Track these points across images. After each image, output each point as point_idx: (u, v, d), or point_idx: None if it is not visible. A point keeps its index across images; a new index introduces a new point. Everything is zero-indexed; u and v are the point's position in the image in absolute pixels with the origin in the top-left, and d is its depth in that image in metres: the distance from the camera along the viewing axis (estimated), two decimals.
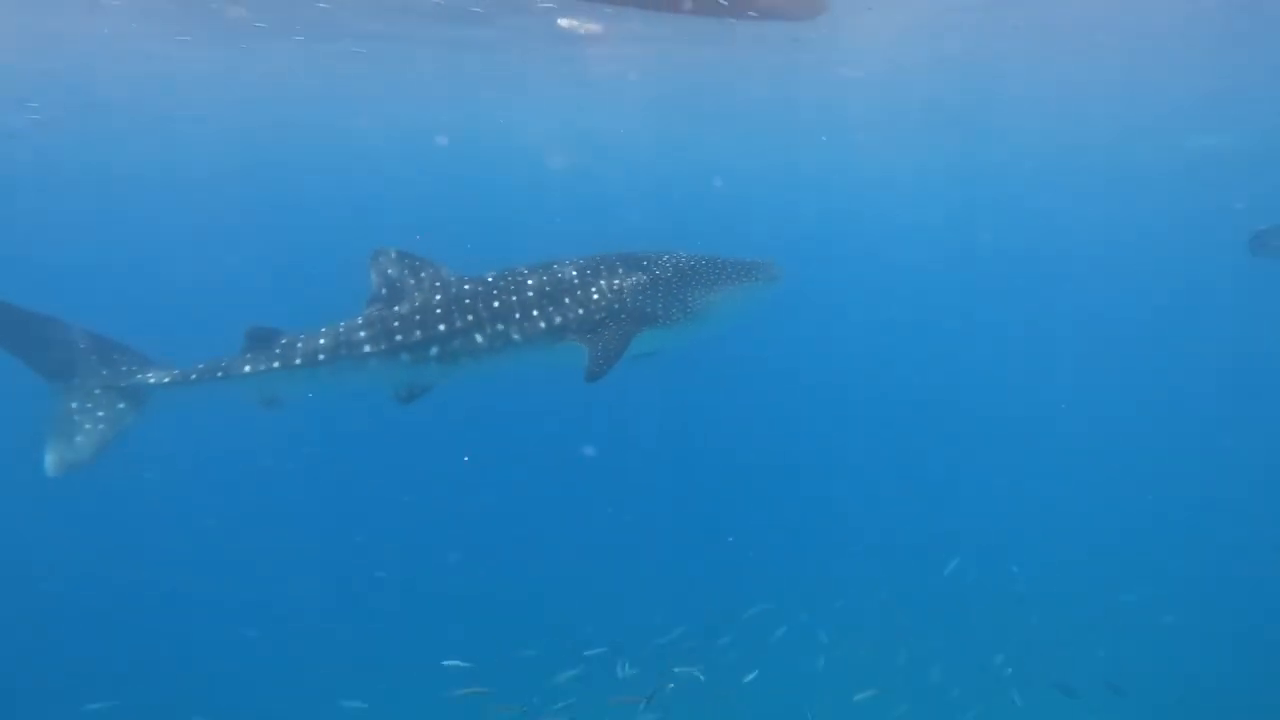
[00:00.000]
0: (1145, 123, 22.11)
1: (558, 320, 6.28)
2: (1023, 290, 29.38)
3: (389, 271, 6.69)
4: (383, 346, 6.37)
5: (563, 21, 14.26)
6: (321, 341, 6.47)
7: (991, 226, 34.59)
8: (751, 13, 12.31)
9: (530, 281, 6.44)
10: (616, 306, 6.33)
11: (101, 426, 6.25)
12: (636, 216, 31.17)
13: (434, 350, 6.34)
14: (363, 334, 6.44)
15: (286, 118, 25.77)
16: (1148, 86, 18.88)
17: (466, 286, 6.53)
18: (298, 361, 6.41)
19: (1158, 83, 18.36)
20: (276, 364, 6.45)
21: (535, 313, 6.31)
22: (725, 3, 11.43)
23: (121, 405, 6.40)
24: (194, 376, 6.55)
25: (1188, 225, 30.42)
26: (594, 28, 14.60)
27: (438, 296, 6.50)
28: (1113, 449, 16.43)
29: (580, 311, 6.30)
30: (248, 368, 6.47)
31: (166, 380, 6.54)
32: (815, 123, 23.62)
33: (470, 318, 6.32)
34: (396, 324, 6.42)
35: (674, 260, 6.64)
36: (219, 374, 6.52)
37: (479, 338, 6.30)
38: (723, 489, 14.49)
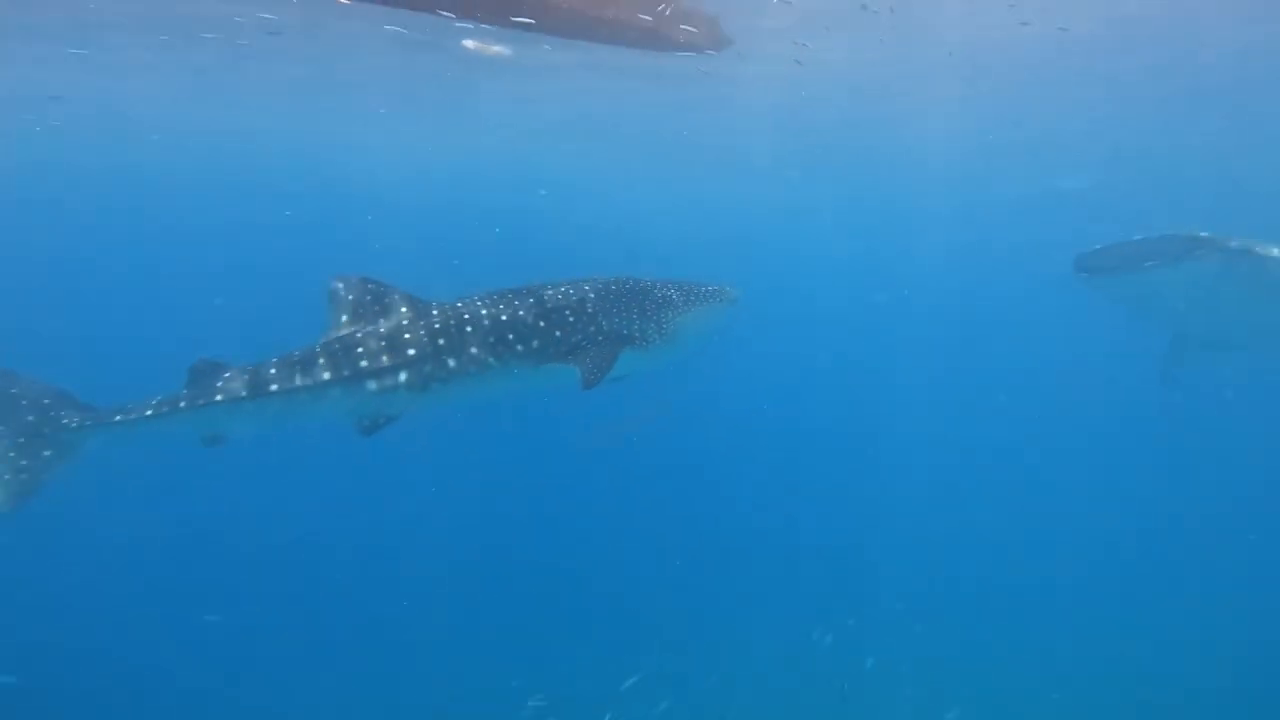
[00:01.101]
0: (1018, 159, 23.45)
1: (534, 344, 6.23)
2: (922, 325, 30.52)
3: (349, 298, 6.44)
4: (346, 374, 6.05)
5: (469, 43, 13.77)
6: (272, 371, 6.05)
7: (896, 259, 35.96)
8: (656, 45, 12.24)
9: (502, 306, 6.37)
10: (592, 329, 6.35)
11: (24, 476, 5.96)
12: (550, 246, 30.80)
13: (403, 377, 6.10)
14: (322, 361, 6.09)
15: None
16: (1021, 122, 20.00)
17: (435, 312, 6.36)
18: (243, 394, 5.97)
19: (1029, 119, 19.49)
20: (219, 397, 5.96)
21: (510, 336, 6.22)
22: (646, 18, 11.13)
23: (47, 453, 6.06)
24: (118, 417, 6.04)
25: (1055, 256, 32.47)
26: (500, 51, 14.11)
27: (405, 321, 6.28)
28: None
29: (557, 334, 6.28)
30: (183, 403, 6.00)
31: (89, 423, 6.07)
32: (721, 153, 23.84)
33: (442, 342, 6.16)
34: (361, 350, 6.13)
35: (645, 283, 6.76)
36: (148, 412, 6.00)
37: (452, 363, 6.13)
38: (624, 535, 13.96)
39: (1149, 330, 9.74)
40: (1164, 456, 17.20)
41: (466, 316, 6.26)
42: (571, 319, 6.33)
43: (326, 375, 5.99)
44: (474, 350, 6.12)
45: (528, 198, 34.33)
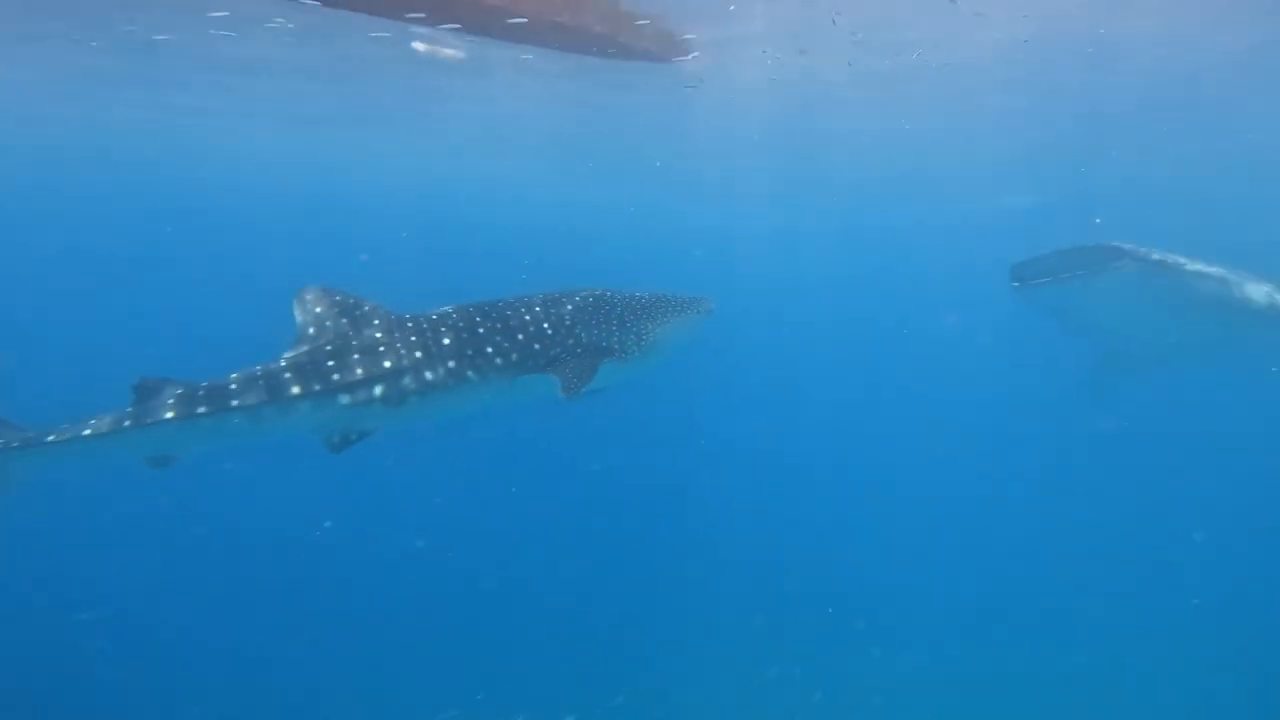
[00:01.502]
0: (965, 180, 24.02)
1: (514, 356, 6.15)
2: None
3: (317, 310, 6.23)
4: (317, 388, 5.81)
5: (418, 46, 13.56)
6: (233, 386, 5.73)
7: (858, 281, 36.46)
8: (611, 50, 12.26)
9: (480, 317, 6.28)
10: (571, 341, 6.31)
11: None
12: (503, 259, 30.67)
13: (379, 390, 5.90)
14: (289, 375, 5.83)
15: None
16: (968, 144, 20.51)
17: (410, 324, 6.21)
18: (200, 410, 5.62)
19: (976, 142, 20.02)
20: (170, 414, 5.58)
21: (489, 349, 6.13)
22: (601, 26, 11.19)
23: None
24: (52, 438, 5.58)
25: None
26: (453, 54, 14.00)
27: (379, 334, 6.11)
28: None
29: (537, 346, 6.22)
30: (128, 422, 5.58)
31: (16, 445, 5.59)
32: (678, 166, 24.01)
33: (419, 355, 6.00)
34: (332, 363, 5.92)
35: (623, 295, 6.75)
36: (85, 432, 5.55)
37: (430, 375, 5.97)
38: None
39: (1080, 342, 9.73)
40: (1109, 471, 17.63)
41: (444, 329, 6.14)
42: (550, 331, 6.29)
43: (295, 389, 5.74)
44: (452, 363, 6.01)
45: (483, 209, 34.26)
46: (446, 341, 6.08)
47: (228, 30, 12.72)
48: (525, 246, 31.39)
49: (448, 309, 6.40)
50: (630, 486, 16.34)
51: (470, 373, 6.03)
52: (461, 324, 6.20)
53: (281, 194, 31.83)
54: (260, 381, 5.76)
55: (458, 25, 11.30)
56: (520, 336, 6.20)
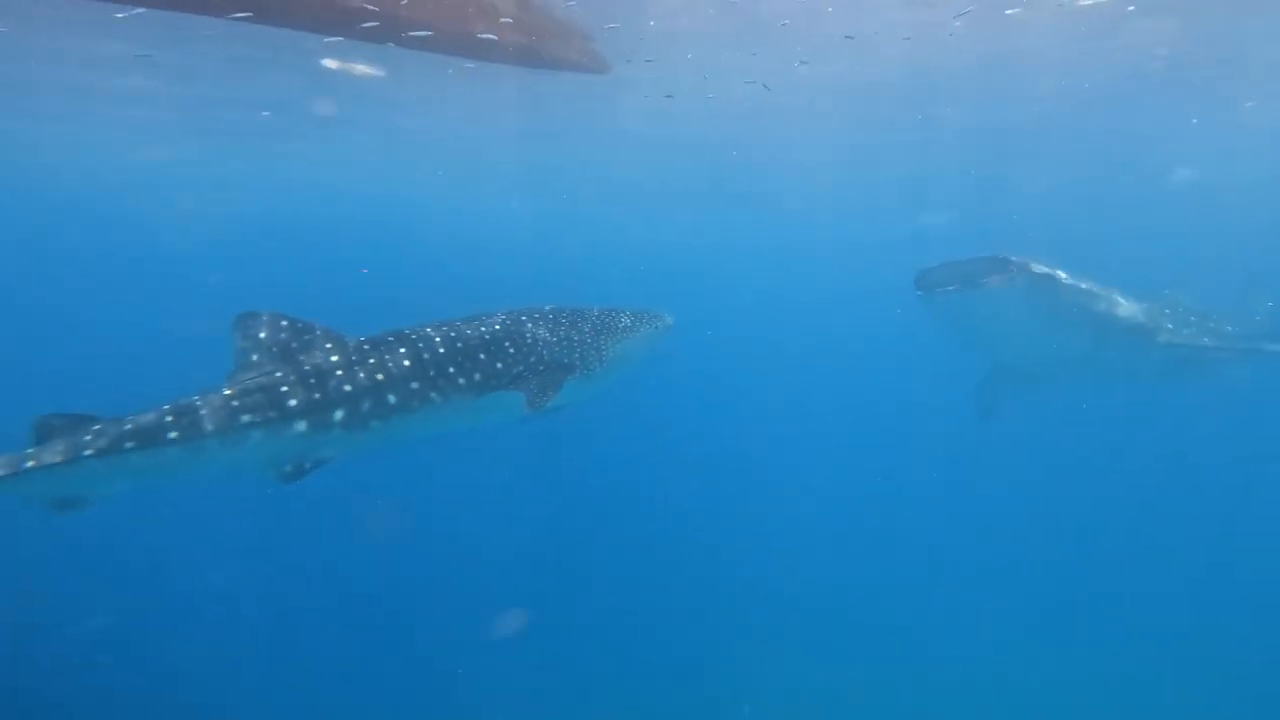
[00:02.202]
0: (880, 200, 24.75)
1: (476, 376, 6.04)
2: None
3: (261, 335, 5.88)
4: (271, 415, 5.49)
5: (329, 63, 13.16)
6: (169, 419, 5.30)
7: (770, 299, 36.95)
8: (535, 63, 12.26)
9: (439, 338, 6.13)
10: (533, 359, 6.26)
11: None
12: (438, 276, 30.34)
13: (339, 415, 5.64)
14: (237, 404, 5.47)
15: None
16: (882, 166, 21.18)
17: (367, 346, 6.01)
18: (129, 445, 5.16)
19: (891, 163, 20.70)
20: (89, 451, 5.11)
21: (452, 369, 5.99)
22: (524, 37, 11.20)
23: None
24: None
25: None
26: (368, 71, 13.65)
27: (334, 357, 5.87)
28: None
29: (499, 365, 6.14)
30: (31, 463, 5.07)
31: None
32: (600, 178, 24.11)
33: (380, 377, 5.79)
34: (286, 390, 5.60)
35: (582, 311, 6.73)
36: None
37: (392, 398, 5.79)
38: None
39: (971, 357, 9.56)
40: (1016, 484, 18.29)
41: (403, 350, 5.97)
42: (512, 350, 6.23)
43: (247, 418, 5.41)
44: (415, 385, 5.85)
45: (415, 222, 33.83)
46: (407, 363, 5.90)
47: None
48: (443, 262, 31.22)
49: (405, 330, 6.22)
50: (544, 503, 16.28)
51: (433, 394, 5.88)
52: (421, 344, 6.04)
53: (200, 213, 30.90)
54: (203, 411, 5.37)
55: (379, 38, 11.18)
56: (482, 355, 6.11)
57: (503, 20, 9.91)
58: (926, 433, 19.78)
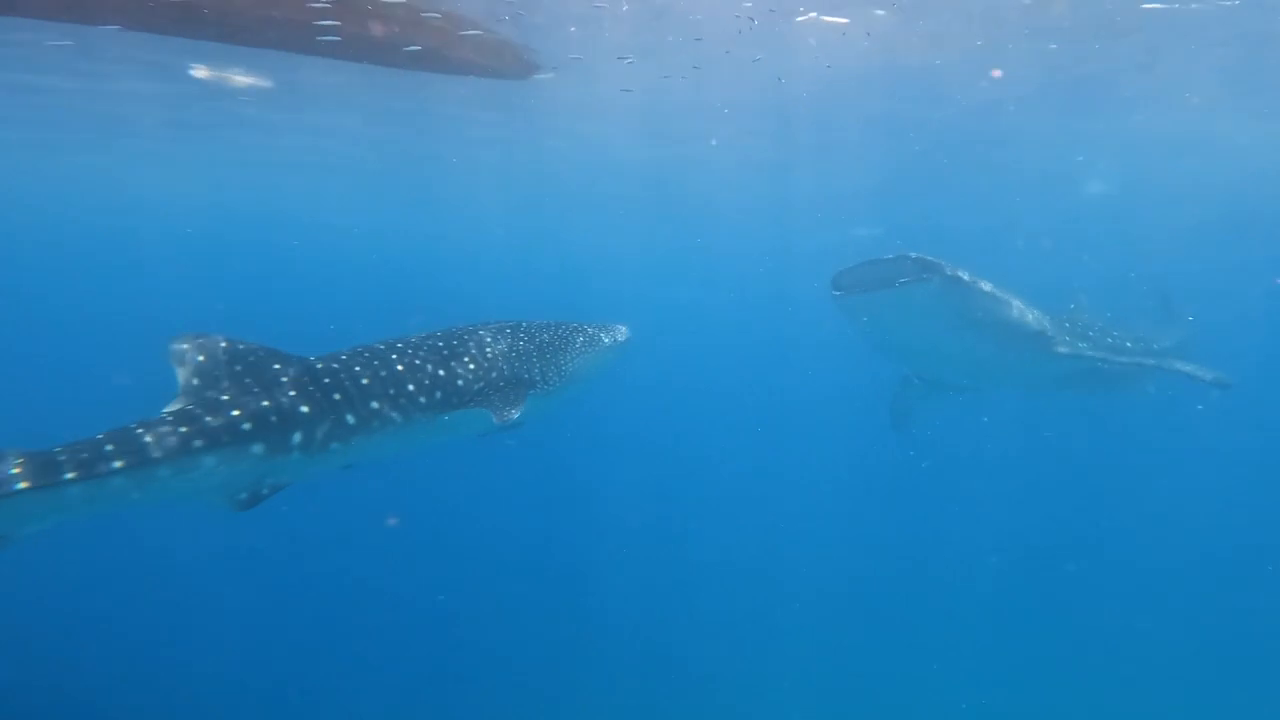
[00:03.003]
0: (820, 208, 25.03)
1: (437, 394, 5.94)
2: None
3: (199, 359, 5.55)
4: (225, 440, 5.21)
5: (198, 72, 12.56)
6: (109, 448, 4.89)
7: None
8: (456, 70, 12.07)
9: (395, 355, 5.99)
10: (494, 375, 6.21)
11: None
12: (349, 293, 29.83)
13: (297, 437, 5.44)
14: (185, 429, 5.13)
15: None
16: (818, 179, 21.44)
17: (320, 365, 5.81)
18: (69, 475, 4.74)
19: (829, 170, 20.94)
20: (22, 485, 4.70)
21: (411, 387, 5.87)
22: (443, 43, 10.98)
23: None
24: None
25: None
26: (248, 80, 13.09)
27: (285, 378, 5.62)
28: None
29: (460, 382, 6.05)
30: None
31: None
32: (525, 188, 23.94)
33: (338, 397, 5.61)
34: (238, 413, 5.31)
35: (540, 326, 6.70)
36: None
37: (351, 418, 5.62)
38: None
39: (885, 364, 9.39)
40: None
41: (358, 369, 5.80)
42: (472, 366, 6.15)
43: (199, 443, 5.12)
44: (375, 404, 5.69)
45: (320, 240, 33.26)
46: (365, 381, 5.74)
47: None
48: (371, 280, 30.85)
49: (359, 348, 6.06)
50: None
51: (394, 413, 5.76)
52: (378, 363, 5.89)
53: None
54: (148, 439, 5.03)
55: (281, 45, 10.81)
56: (442, 373, 6.01)
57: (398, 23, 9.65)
58: (849, 436, 20.08)
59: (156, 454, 5.01)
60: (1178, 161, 18.69)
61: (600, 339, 6.88)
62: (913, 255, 7.23)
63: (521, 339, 6.53)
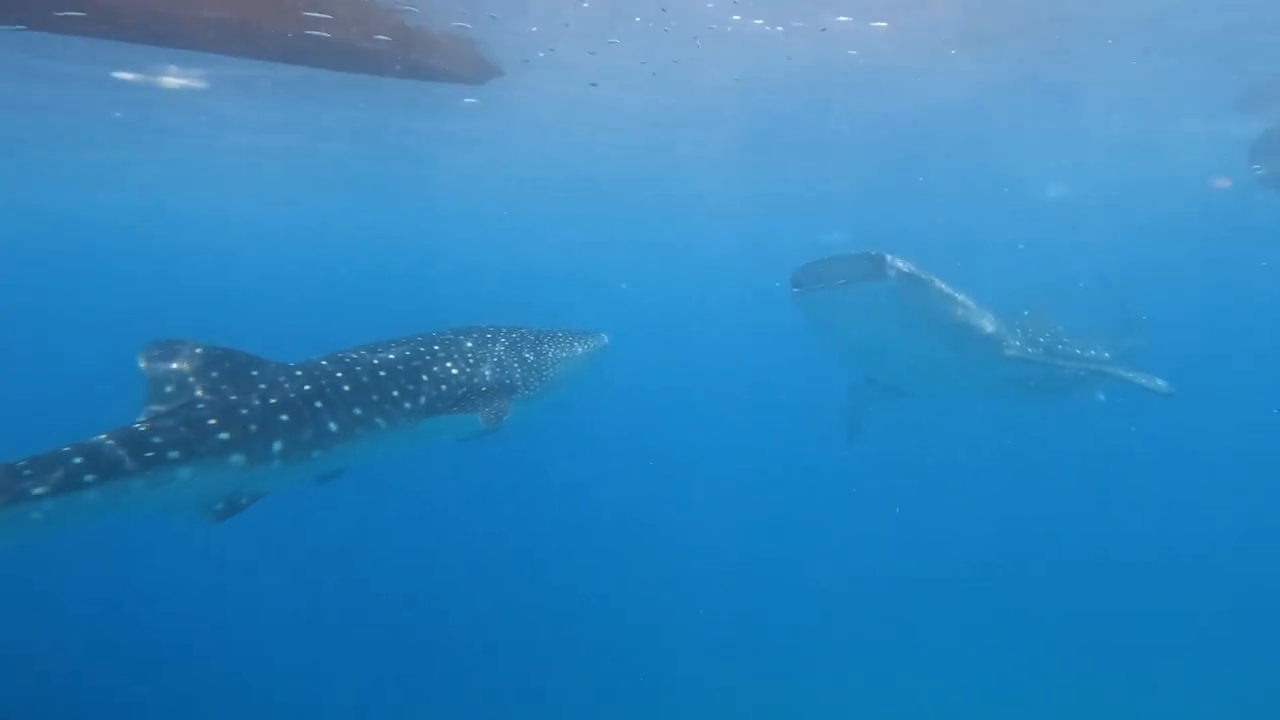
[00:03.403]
0: (787, 212, 25.22)
1: (421, 400, 5.86)
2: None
3: (173, 366, 5.37)
4: (201, 450, 5.05)
5: (123, 73, 12.42)
6: (77, 461, 4.68)
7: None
8: (412, 75, 11.92)
9: (377, 361, 5.91)
10: (476, 380, 6.17)
11: None
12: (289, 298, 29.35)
13: (278, 446, 5.31)
14: (159, 440, 4.95)
15: None
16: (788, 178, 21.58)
17: (300, 372, 5.66)
18: (37, 491, 4.52)
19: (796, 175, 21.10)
20: None
21: (396, 393, 5.79)
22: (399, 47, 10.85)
23: None
24: None
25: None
26: (176, 81, 12.91)
27: (263, 385, 5.48)
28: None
29: (444, 387, 6.00)
30: None
31: None
32: (485, 188, 23.79)
33: (319, 404, 5.49)
34: (214, 422, 5.15)
35: (521, 331, 6.68)
36: None
37: (333, 426, 5.50)
38: None
39: (842, 367, 9.30)
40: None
41: (339, 375, 5.68)
42: (455, 371, 6.09)
43: (174, 454, 4.94)
44: (358, 411, 5.59)
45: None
46: (347, 388, 5.63)
47: None
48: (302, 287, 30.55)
49: (338, 354, 5.97)
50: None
51: (378, 419, 5.66)
52: (359, 368, 5.79)
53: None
54: (119, 451, 4.82)
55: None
56: (425, 378, 5.93)
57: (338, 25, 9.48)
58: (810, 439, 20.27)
59: (129, 466, 4.82)
60: (1129, 164, 19.07)
61: (581, 345, 6.89)
62: (871, 252, 7.13)
63: (502, 344, 6.50)
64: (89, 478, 4.67)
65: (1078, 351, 9.23)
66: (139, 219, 27.90)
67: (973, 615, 13.57)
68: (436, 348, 6.20)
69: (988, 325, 7.97)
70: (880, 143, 17.96)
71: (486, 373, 6.23)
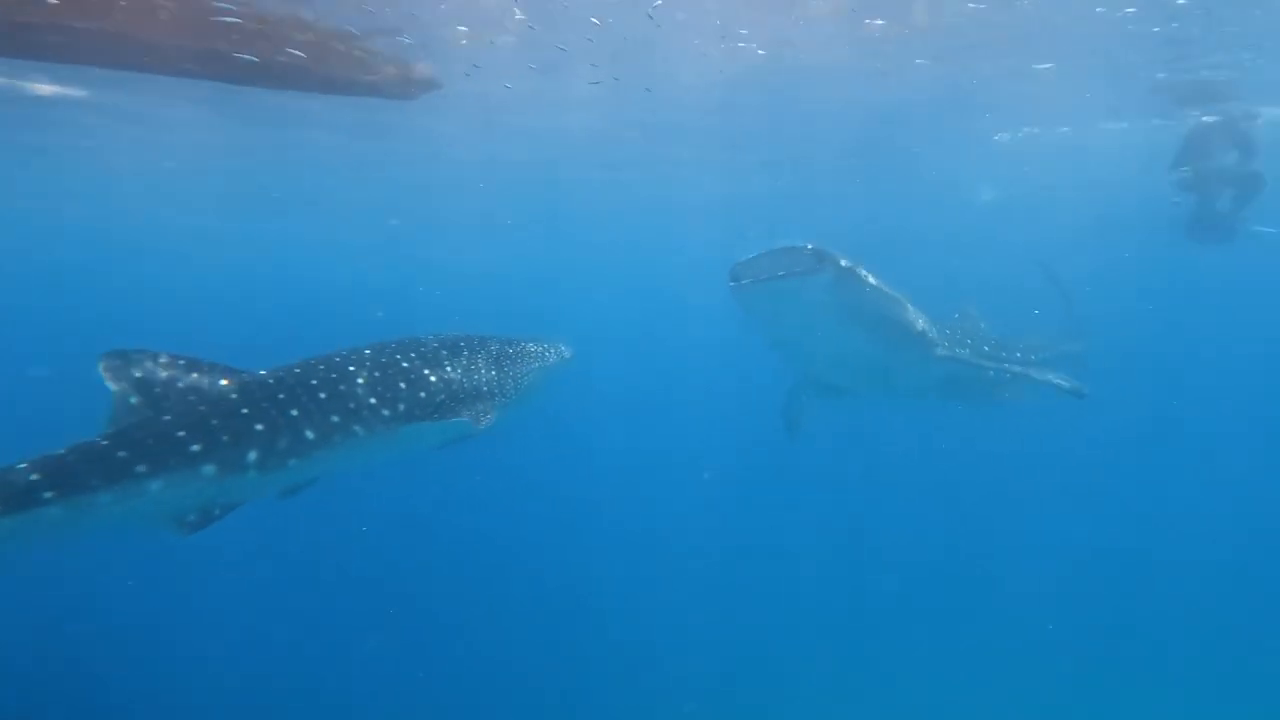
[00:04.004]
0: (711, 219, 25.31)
1: (400, 407, 5.85)
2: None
3: (136, 375, 5.25)
4: (172, 462, 4.98)
5: (40, 87, 12.27)
6: (34, 477, 4.58)
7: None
8: (342, 89, 11.70)
9: (353, 369, 5.88)
10: (455, 388, 6.18)
11: None
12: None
13: (253, 455, 5.24)
14: (124, 454, 4.86)
15: None
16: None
17: (272, 381, 5.62)
18: None
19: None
20: None
21: (373, 400, 5.76)
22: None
23: None
24: None
25: None
26: (77, 93, 12.63)
27: (235, 395, 5.43)
28: None
29: (422, 395, 5.98)
30: None
31: None
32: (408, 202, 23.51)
33: (295, 413, 5.45)
34: (184, 433, 5.08)
35: (491, 340, 6.71)
36: None
37: (310, 434, 5.45)
38: None
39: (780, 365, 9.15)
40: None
41: (314, 383, 5.63)
42: (432, 379, 6.08)
43: (142, 468, 4.85)
44: (335, 419, 5.54)
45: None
46: (323, 396, 5.58)
47: None
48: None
49: (311, 360, 5.93)
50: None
51: (357, 426, 5.62)
52: (335, 376, 5.75)
53: None
54: (82, 466, 4.74)
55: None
56: (402, 385, 5.92)
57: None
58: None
59: (94, 481, 4.75)
60: (1056, 167, 19.54)
61: (548, 356, 6.96)
62: (810, 246, 7.06)
63: (477, 353, 6.55)
64: (48, 494, 4.57)
65: (1003, 354, 9.30)
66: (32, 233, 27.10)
67: (942, 614, 14.00)
68: (413, 355, 6.19)
69: (920, 324, 7.99)
70: (824, 147, 18.14)
71: (465, 381, 6.24)
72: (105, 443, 4.94)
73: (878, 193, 22.47)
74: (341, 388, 5.69)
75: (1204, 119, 13.84)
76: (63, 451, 4.83)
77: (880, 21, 10.85)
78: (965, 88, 13.97)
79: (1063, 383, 7.91)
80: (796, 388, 9.58)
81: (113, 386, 5.25)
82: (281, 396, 5.50)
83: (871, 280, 7.43)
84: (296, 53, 9.34)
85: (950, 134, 17.50)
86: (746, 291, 7.13)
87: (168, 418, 5.17)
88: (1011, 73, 13.21)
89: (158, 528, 5.27)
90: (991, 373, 8.64)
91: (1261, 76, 13.08)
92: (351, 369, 5.87)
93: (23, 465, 4.70)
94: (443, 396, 6.09)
